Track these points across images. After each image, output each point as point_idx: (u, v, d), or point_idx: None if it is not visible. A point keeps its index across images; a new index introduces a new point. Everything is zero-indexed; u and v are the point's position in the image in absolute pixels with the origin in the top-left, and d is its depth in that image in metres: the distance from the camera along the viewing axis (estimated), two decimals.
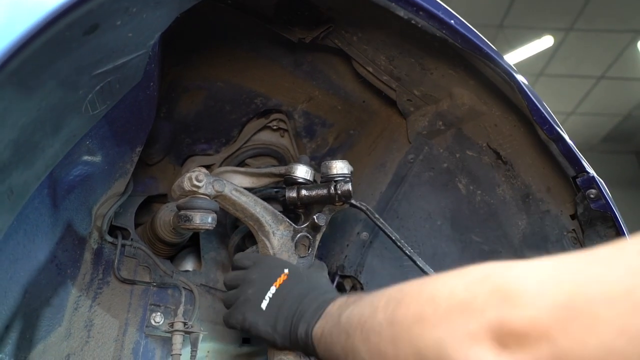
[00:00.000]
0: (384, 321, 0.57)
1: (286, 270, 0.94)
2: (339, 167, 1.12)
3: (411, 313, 0.52)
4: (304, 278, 0.92)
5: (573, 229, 1.13)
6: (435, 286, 0.52)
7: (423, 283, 0.56)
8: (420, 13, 0.91)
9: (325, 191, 1.11)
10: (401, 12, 0.91)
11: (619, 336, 0.35)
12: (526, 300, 0.40)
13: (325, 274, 1.14)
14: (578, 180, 1.05)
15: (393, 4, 0.89)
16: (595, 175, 1.04)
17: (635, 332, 0.35)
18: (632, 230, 0.84)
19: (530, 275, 0.42)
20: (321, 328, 0.77)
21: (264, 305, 0.89)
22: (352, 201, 1.14)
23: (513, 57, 6.15)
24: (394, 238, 1.17)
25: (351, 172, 1.13)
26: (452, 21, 0.92)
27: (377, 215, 1.18)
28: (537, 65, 6.37)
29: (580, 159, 1.04)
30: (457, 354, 0.44)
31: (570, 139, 1.06)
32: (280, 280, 0.91)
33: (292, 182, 1.14)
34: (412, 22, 0.92)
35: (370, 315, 0.62)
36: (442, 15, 0.91)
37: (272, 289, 0.90)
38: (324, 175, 1.12)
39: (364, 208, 1.17)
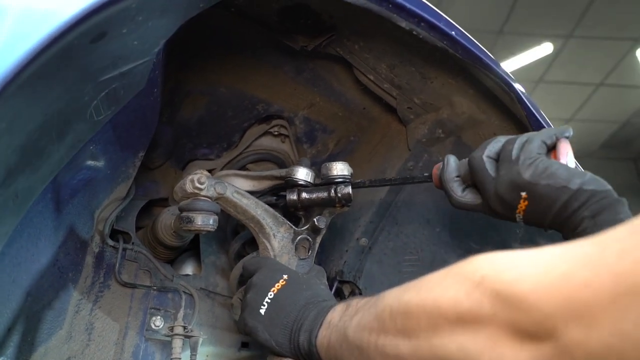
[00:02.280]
0: (398, 334, 0.58)
1: (285, 276, 0.93)
2: (339, 168, 1.13)
3: (424, 325, 0.54)
4: (302, 285, 0.92)
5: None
6: (436, 296, 0.53)
7: (420, 291, 0.56)
8: (422, 24, 0.92)
9: (325, 194, 1.11)
10: (403, 23, 0.92)
11: (613, 334, 0.37)
12: (528, 304, 0.43)
13: (325, 280, 1.14)
14: None
15: (395, 15, 0.90)
16: None
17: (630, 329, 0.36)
18: None
19: (526, 277, 0.44)
20: (326, 339, 0.77)
21: (262, 310, 0.88)
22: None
23: (513, 64, 6.17)
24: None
25: (351, 174, 1.14)
26: (453, 32, 0.94)
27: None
28: (537, 72, 6.39)
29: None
30: (484, 356, 0.46)
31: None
32: (278, 286, 0.91)
33: (293, 185, 1.15)
34: (414, 32, 0.94)
35: (379, 329, 0.62)
36: (443, 27, 0.93)
37: (270, 295, 0.90)
38: (324, 177, 1.13)
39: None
